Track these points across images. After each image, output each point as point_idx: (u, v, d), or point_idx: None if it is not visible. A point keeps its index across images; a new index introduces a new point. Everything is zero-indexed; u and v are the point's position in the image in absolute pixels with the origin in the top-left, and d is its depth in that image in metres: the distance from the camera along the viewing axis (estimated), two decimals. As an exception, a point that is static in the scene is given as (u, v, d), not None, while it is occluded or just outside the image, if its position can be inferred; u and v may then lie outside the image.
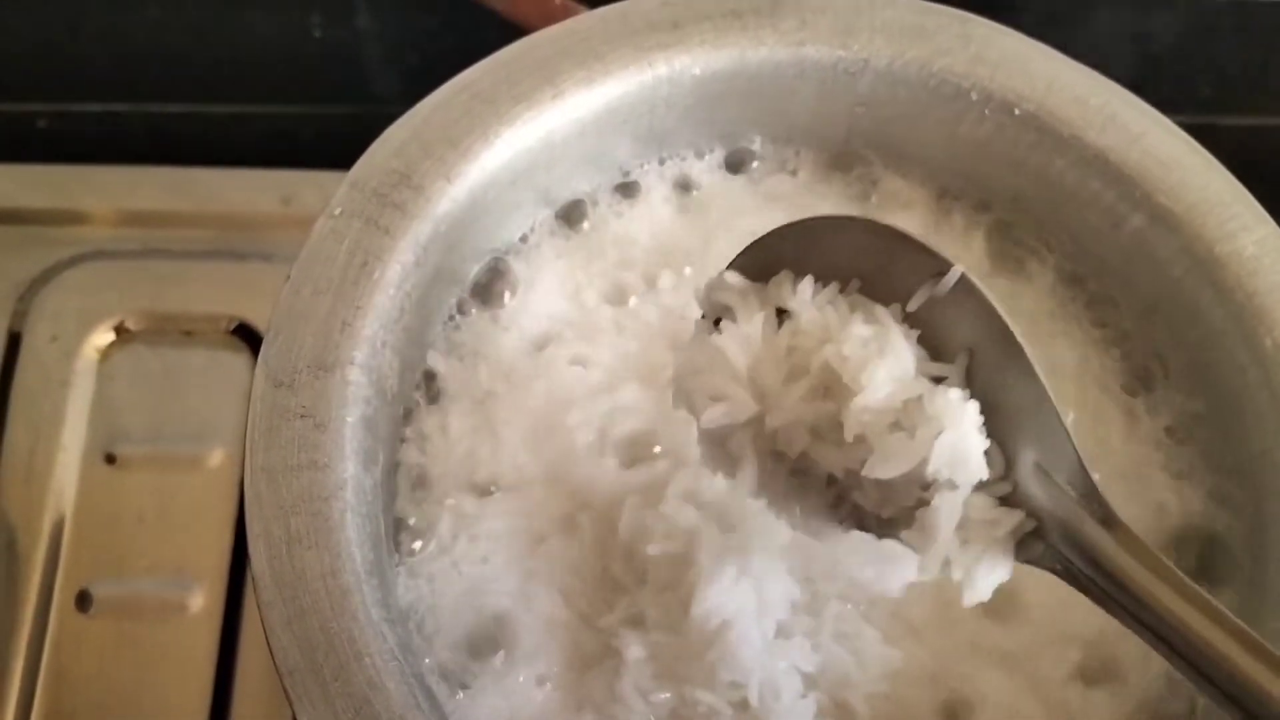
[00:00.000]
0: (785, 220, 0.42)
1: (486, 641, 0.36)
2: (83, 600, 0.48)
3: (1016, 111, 0.40)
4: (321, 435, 0.34)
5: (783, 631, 0.35)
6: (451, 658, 0.36)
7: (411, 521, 0.38)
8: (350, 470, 0.34)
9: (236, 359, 0.53)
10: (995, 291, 0.41)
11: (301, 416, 0.34)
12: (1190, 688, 0.35)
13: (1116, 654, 0.37)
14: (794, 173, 0.43)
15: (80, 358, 0.52)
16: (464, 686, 0.36)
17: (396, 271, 0.36)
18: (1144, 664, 0.37)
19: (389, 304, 0.36)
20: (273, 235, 0.55)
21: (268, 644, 0.32)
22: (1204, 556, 0.38)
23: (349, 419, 0.35)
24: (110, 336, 0.53)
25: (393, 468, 0.38)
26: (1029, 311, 0.41)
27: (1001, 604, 0.37)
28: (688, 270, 0.41)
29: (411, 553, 0.37)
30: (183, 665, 0.47)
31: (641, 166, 0.43)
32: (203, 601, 0.48)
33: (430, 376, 0.40)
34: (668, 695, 0.35)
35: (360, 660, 0.32)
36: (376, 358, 0.36)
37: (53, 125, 0.60)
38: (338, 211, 0.37)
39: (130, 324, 0.53)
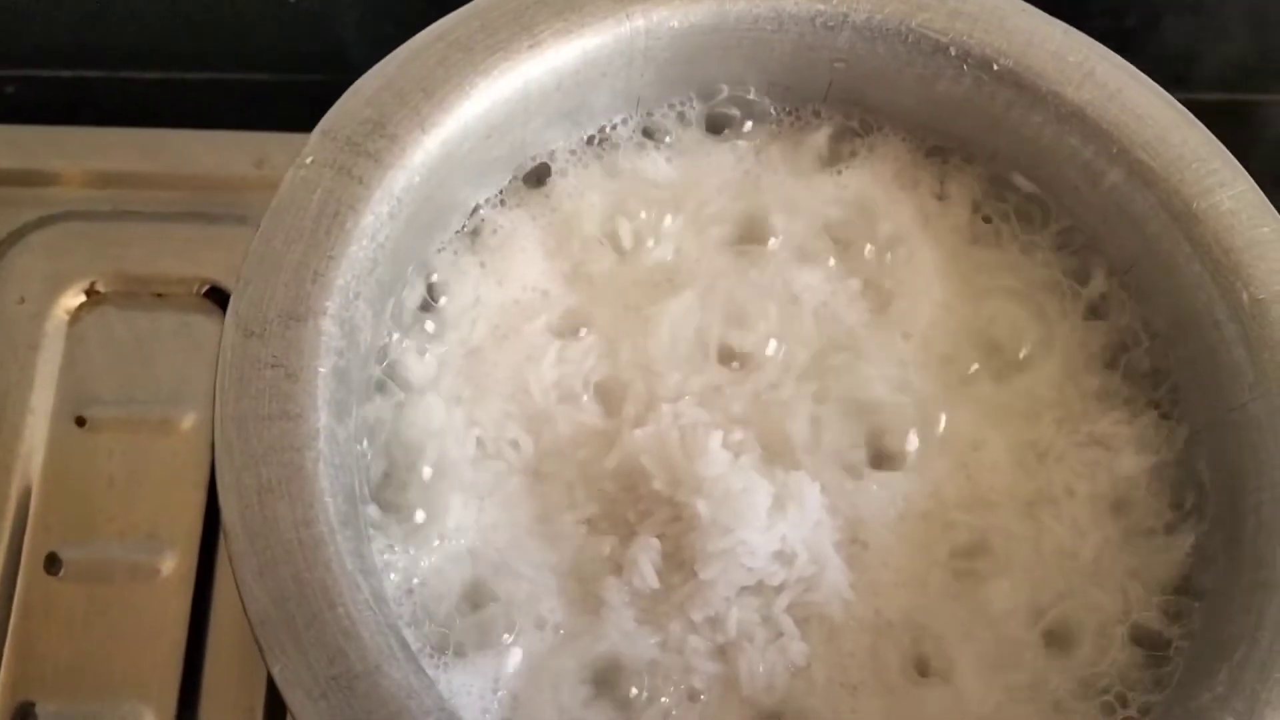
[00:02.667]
0: (762, 177, 0.42)
1: (483, 594, 0.36)
2: (52, 563, 0.48)
3: (995, 67, 0.40)
4: (293, 385, 0.34)
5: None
6: (449, 616, 0.36)
7: (401, 483, 0.37)
8: (323, 420, 0.34)
9: (208, 321, 0.52)
10: (971, 246, 0.41)
11: (272, 366, 0.34)
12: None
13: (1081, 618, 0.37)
14: (773, 128, 0.43)
15: (50, 319, 0.51)
16: (459, 646, 0.36)
17: (370, 221, 0.36)
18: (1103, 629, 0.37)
19: (362, 254, 0.36)
20: (245, 197, 0.54)
21: (239, 595, 0.32)
22: (1179, 501, 0.38)
23: (321, 369, 0.34)
24: (80, 298, 0.52)
25: (375, 424, 0.38)
26: (1004, 266, 0.41)
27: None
28: (668, 222, 0.41)
29: (402, 514, 0.37)
30: (154, 629, 0.47)
31: (620, 122, 0.42)
32: (174, 565, 0.48)
33: (410, 328, 0.39)
34: (654, 641, 0.35)
35: (334, 609, 0.31)
36: (349, 309, 0.35)
37: (20, 92, 0.59)
38: (309, 160, 0.36)
39: (101, 286, 0.52)
